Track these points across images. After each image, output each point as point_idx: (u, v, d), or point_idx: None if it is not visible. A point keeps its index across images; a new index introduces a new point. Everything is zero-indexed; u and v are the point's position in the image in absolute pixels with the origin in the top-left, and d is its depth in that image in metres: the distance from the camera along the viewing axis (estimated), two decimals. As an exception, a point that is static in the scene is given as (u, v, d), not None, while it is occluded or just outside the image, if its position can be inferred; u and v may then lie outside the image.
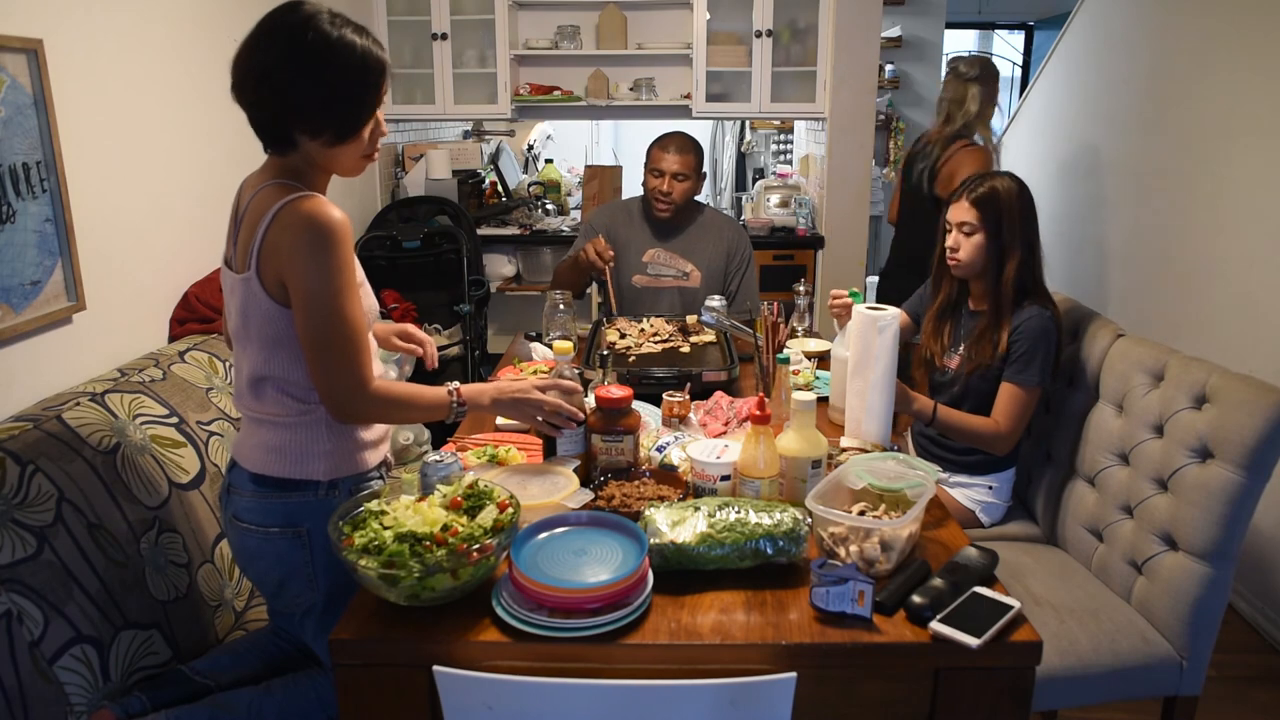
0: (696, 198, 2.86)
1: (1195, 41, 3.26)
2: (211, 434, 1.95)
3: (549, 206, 4.42)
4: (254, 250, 1.39)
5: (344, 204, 3.44)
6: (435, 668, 1.10)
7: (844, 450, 1.66)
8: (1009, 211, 1.96)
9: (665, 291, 2.82)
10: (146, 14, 2.16)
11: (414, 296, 3.41)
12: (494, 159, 4.53)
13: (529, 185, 4.50)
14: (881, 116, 6.27)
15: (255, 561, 1.54)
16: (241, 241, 1.43)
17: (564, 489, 1.47)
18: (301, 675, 1.64)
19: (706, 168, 2.86)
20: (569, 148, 5.51)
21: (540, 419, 1.54)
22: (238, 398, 1.53)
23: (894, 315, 1.73)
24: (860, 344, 1.76)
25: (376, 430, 1.59)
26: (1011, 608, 1.24)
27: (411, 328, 1.86)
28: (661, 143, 2.75)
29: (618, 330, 2.52)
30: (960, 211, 2.01)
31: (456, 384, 1.52)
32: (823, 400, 2.02)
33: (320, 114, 1.38)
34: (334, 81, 1.36)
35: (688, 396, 1.88)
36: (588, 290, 2.91)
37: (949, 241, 2.04)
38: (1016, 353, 1.95)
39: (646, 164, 2.77)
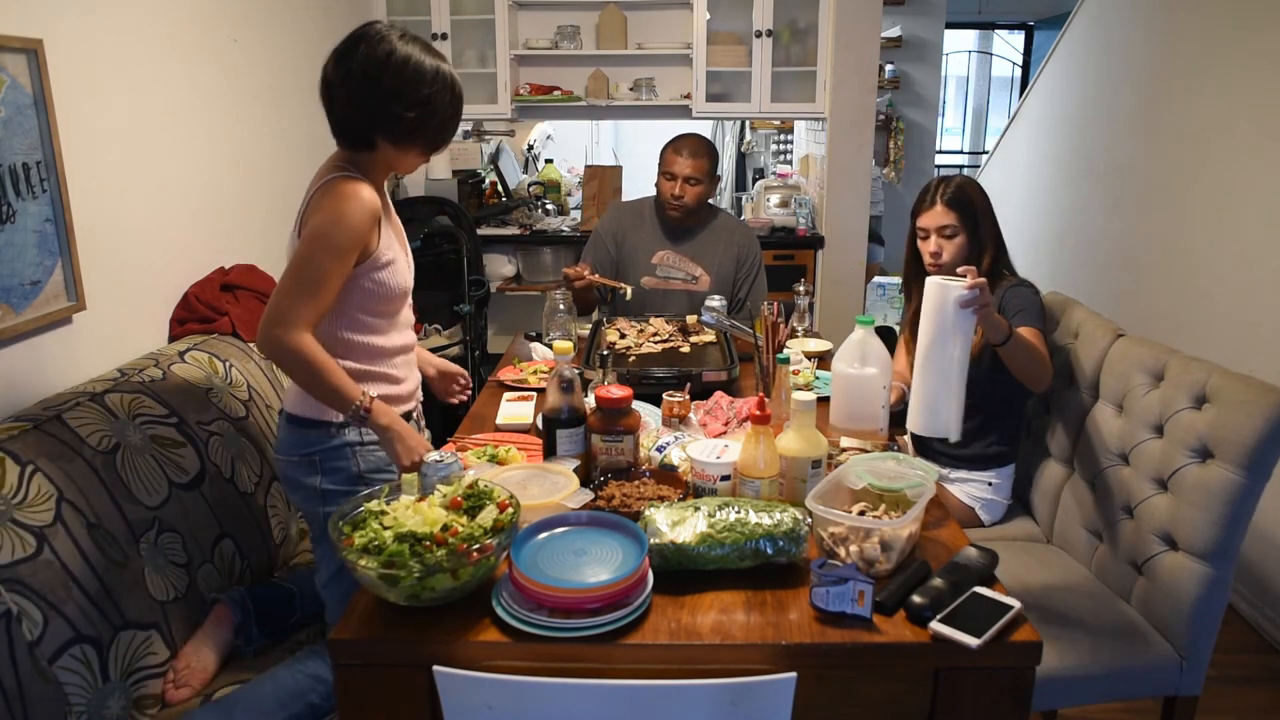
0: (709, 200, 2.85)
1: (1195, 41, 3.26)
2: (211, 434, 1.95)
3: (549, 206, 4.42)
4: (299, 215, 1.61)
5: (344, 204, 3.45)
6: (435, 668, 1.10)
7: (844, 450, 1.66)
8: (981, 206, 2.04)
9: (674, 294, 2.81)
10: (146, 14, 2.16)
11: (414, 296, 3.39)
12: (494, 159, 4.53)
13: (529, 185, 4.50)
14: (881, 116, 6.27)
15: (286, 487, 1.78)
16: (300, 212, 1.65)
17: (564, 489, 1.47)
18: (302, 653, 1.73)
19: (707, 168, 2.84)
20: (569, 148, 5.51)
21: (403, 463, 1.61)
22: None
23: (969, 292, 1.62)
24: (937, 321, 1.64)
25: (398, 388, 1.75)
26: (1011, 608, 1.24)
27: (453, 369, 2.04)
28: (675, 145, 2.72)
29: (618, 330, 2.52)
30: (937, 216, 2.03)
31: (373, 397, 1.60)
32: (823, 400, 2.01)
33: (419, 132, 1.62)
34: (447, 109, 1.65)
35: (688, 396, 1.88)
36: (603, 304, 2.90)
37: (930, 248, 2.05)
38: (1013, 310, 1.95)
39: (659, 166, 2.75)
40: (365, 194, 1.57)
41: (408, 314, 1.84)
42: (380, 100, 1.57)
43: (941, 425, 1.68)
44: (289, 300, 1.53)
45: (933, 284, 1.66)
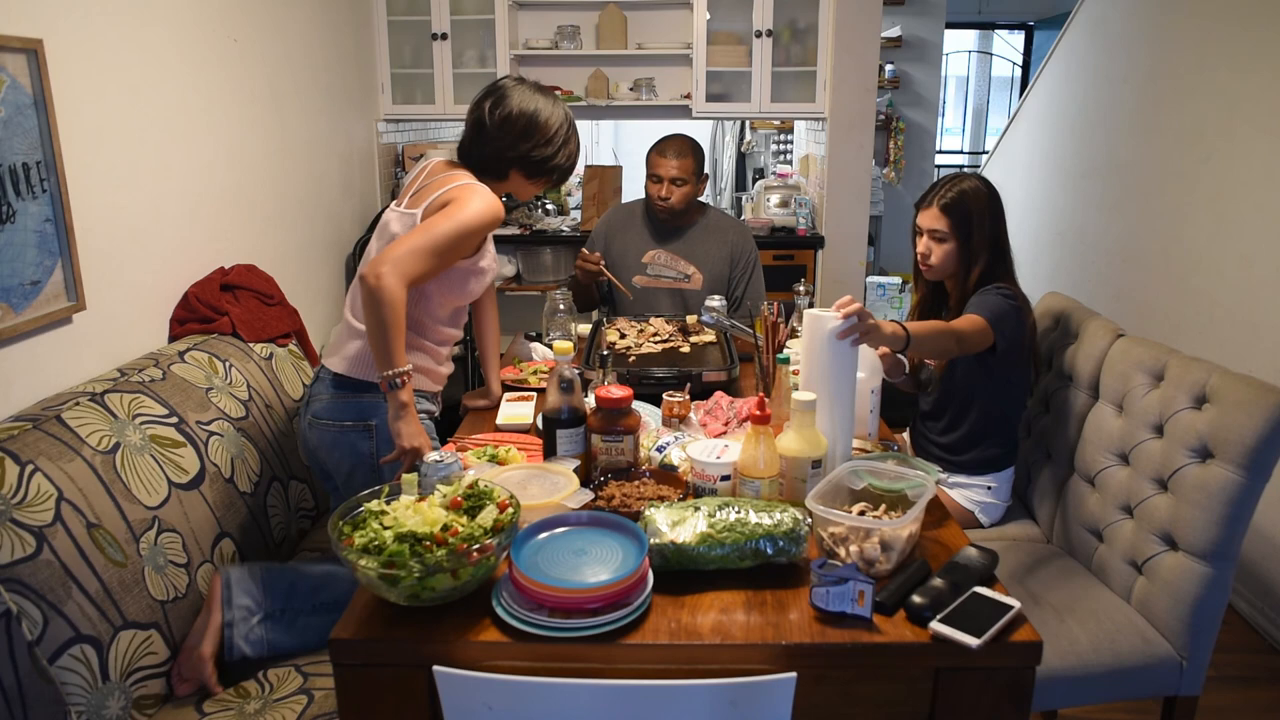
0: (701, 199, 2.85)
1: (1195, 41, 3.26)
2: (211, 434, 1.95)
3: (549, 206, 4.42)
4: (432, 197, 1.82)
5: (345, 202, 3.46)
6: (435, 668, 1.10)
7: (844, 450, 1.66)
8: (978, 216, 2.00)
9: (665, 293, 2.82)
10: (147, 14, 2.15)
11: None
12: (494, 159, 4.52)
13: (529, 185, 4.50)
14: (881, 116, 6.27)
15: (331, 453, 1.88)
16: (420, 190, 1.87)
17: (564, 489, 1.47)
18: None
19: (706, 168, 2.85)
20: (569, 148, 5.50)
21: (402, 444, 1.74)
22: (350, 308, 1.90)
23: (843, 322, 1.56)
24: (816, 354, 1.59)
25: (436, 363, 1.94)
26: (1011, 608, 1.24)
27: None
28: (659, 147, 2.74)
29: (618, 330, 2.52)
30: (930, 218, 2.02)
31: (410, 372, 1.73)
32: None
33: (558, 169, 1.97)
34: (577, 150, 2.01)
35: (688, 396, 1.88)
36: (604, 302, 2.92)
37: (920, 248, 2.06)
38: (969, 307, 1.94)
39: (646, 169, 2.77)
40: (500, 207, 1.83)
41: (463, 316, 2.03)
42: (531, 145, 1.90)
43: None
44: (408, 253, 1.70)
45: (809, 317, 1.62)
